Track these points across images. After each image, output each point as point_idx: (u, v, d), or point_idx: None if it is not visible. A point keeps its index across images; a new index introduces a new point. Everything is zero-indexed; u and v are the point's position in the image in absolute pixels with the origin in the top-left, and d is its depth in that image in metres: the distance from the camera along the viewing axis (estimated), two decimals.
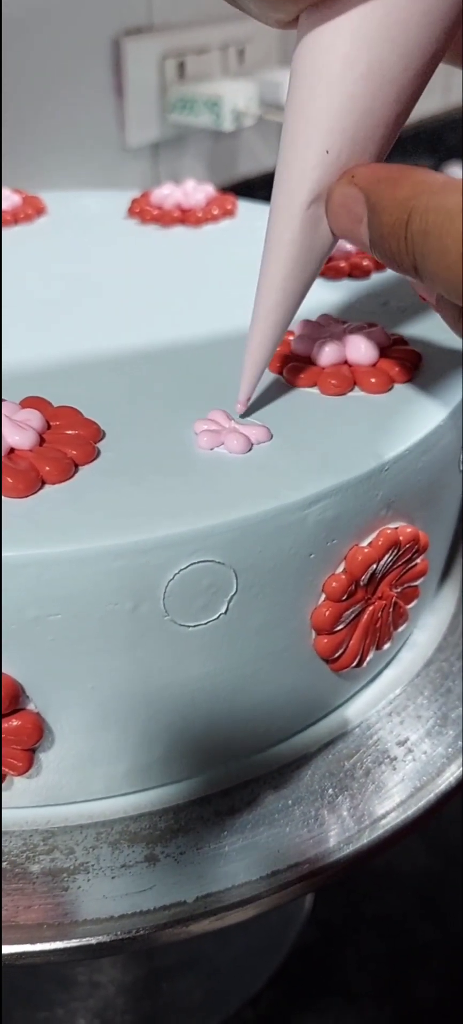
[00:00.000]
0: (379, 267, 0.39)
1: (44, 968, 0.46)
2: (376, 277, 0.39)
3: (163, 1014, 0.46)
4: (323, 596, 0.27)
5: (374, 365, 0.30)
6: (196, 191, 0.46)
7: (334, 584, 0.26)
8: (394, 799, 0.29)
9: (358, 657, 0.28)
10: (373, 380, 0.29)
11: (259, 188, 0.84)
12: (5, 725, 0.24)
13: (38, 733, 0.25)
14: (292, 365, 0.30)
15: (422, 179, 0.22)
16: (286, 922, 0.49)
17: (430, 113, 1.07)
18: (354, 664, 0.28)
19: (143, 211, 0.46)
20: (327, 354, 0.30)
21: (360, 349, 0.30)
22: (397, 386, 0.30)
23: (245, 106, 0.73)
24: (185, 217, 0.45)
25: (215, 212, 0.45)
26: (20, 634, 0.23)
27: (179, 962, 0.46)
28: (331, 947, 0.48)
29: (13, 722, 0.24)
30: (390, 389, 0.29)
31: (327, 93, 0.24)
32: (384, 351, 0.30)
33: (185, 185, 0.47)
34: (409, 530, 0.28)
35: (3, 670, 0.24)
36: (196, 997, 0.46)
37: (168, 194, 0.46)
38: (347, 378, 0.29)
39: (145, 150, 0.74)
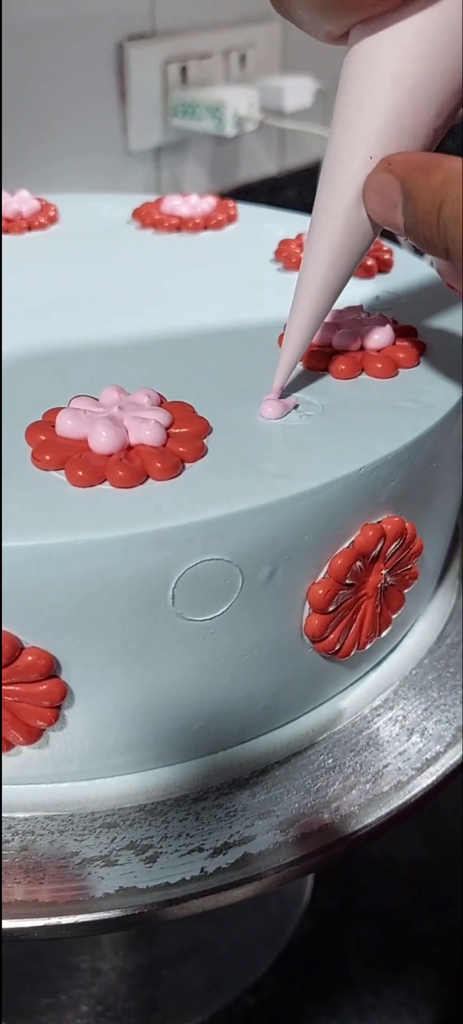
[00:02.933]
0: (382, 268, 0.41)
1: (48, 954, 0.47)
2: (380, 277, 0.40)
3: (164, 1001, 0.47)
4: (327, 577, 0.27)
5: (382, 351, 0.32)
6: (201, 202, 0.47)
7: (339, 561, 0.27)
8: (390, 785, 0.29)
9: (356, 645, 0.29)
10: (380, 366, 0.31)
11: (260, 192, 0.85)
12: (36, 689, 0.25)
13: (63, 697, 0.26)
14: (312, 351, 0.32)
15: (455, 168, 0.23)
16: (285, 911, 0.50)
17: None
18: (354, 651, 0.29)
19: (148, 214, 0.47)
20: (342, 341, 0.32)
21: (373, 337, 0.32)
22: (402, 372, 0.31)
23: (247, 111, 0.74)
24: (183, 224, 0.46)
25: (220, 218, 0.46)
26: (45, 614, 0.25)
27: (180, 950, 0.47)
28: (330, 936, 0.49)
29: (42, 686, 0.25)
30: (395, 375, 0.31)
31: (374, 105, 0.25)
32: (393, 340, 0.33)
33: (189, 198, 0.48)
34: (408, 524, 0.29)
35: (35, 645, 0.25)
36: (197, 984, 0.47)
37: (179, 204, 0.47)
38: (355, 363, 0.31)
39: (148, 154, 0.75)
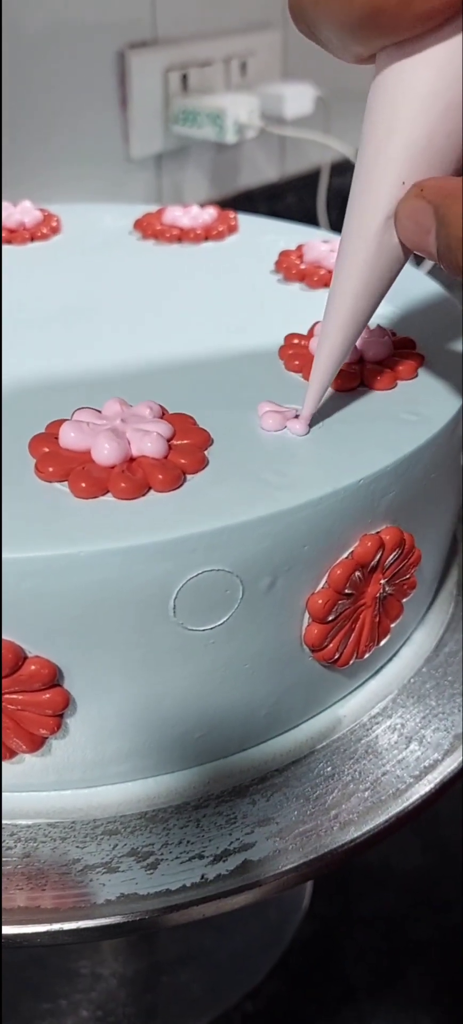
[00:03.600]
0: None
1: (48, 960, 0.47)
2: None
3: (164, 1006, 0.47)
4: (327, 587, 0.28)
5: (381, 363, 0.32)
6: (202, 213, 0.48)
7: (339, 571, 0.27)
8: (389, 792, 0.30)
9: (355, 654, 0.30)
10: (379, 378, 0.31)
11: (260, 199, 0.85)
12: (39, 698, 0.25)
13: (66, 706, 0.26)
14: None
15: None
16: (284, 918, 0.50)
17: None
18: (353, 659, 0.30)
19: (149, 225, 0.47)
20: None
21: (372, 349, 0.32)
22: (401, 384, 0.32)
23: (247, 119, 0.74)
24: (184, 234, 0.46)
25: (221, 228, 0.47)
26: (48, 624, 0.25)
27: (180, 955, 0.48)
28: (329, 942, 0.49)
29: (45, 695, 0.26)
30: (394, 387, 0.32)
31: (406, 129, 0.24)
32: (391, 352, 0.33)
33: (190, 209, 0.48)
34: (406, 534, 0.29)
35: (38, 654, 0.25)
36: (196, 990, 0.47)
37: (180, 215, 0.47)
38: (354, 375, 0.31)
39: (148, 161, 0.75)
